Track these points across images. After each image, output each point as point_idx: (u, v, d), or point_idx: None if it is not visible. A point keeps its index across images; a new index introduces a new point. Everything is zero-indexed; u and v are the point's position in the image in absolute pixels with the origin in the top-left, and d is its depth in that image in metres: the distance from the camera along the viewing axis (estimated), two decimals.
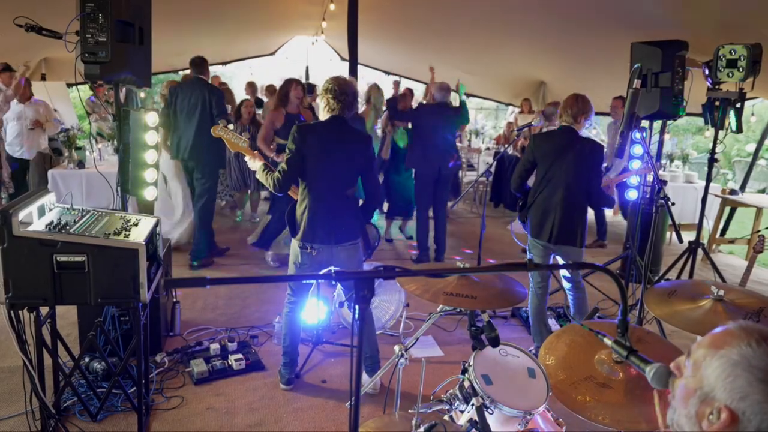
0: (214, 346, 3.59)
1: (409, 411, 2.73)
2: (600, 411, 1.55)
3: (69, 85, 7.97)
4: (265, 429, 2.93)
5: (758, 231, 5.41)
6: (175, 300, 4.05)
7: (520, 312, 4.47)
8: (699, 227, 4.58)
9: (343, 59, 11.32)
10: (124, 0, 2.83)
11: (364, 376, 3.28)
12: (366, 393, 3.19)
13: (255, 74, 13.20)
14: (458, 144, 9.15)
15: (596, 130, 9.46)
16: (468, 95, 10.54)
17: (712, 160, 4.24)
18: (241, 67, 13.62)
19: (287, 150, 3.01)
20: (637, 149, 4.27)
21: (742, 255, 6.80)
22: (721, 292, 2.03)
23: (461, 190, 8.67)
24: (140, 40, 3.00)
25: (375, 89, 5.99)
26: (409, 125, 5.89)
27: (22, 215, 2.30)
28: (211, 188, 5.21)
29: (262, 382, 3.35)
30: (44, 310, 2.56)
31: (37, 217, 2.46)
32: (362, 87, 6.20)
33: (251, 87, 8.59)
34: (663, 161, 6.07)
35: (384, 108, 6.02)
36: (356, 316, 1.25)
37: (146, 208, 4.36)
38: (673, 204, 3.74)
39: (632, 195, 4.45)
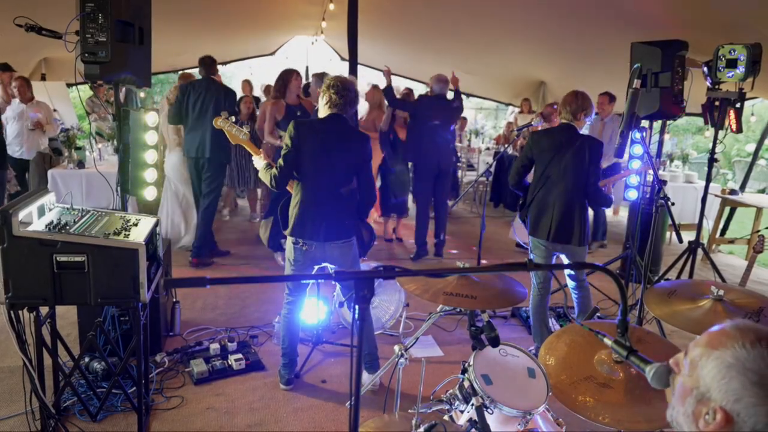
0: (214, 346, 3.59)
1: (409, 411, 2.73)
2: (600, 411, 1.55)
3: (69, 85, 7.97)
4: (265, 429, 2.93)
5: (758, 231, 5.41)
6: (175, 300, 4.05)
7: (520, 312, 4.47)
8: (699, 227, 4.58)
9: (343, 59, 11.31)
10: (124, 0, 2.83)
11: (364, 375, 3.28)
12: (366, 391, 3.19)
13: (255, 74, 13.20)
14: (458, 144, 9.17)
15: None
16: (468, 95, 10.57)
17: (711, 160, 4.24)
18: (241, 67, 13.62)
19: (284, 145, 3.01)
20: (637, 149, 4.27)
21: (742, 255, 6.80)
22: (721, 292, 2.03)
23: (461, 191, 8.68)
24: (140, 40, 3.00)
25: (378, 91, 6.01)
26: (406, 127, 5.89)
27: (22, 215, 2.30)
28: (218, 188, 5.29)
29: (262, 382, 3.35)
30: (44, 310, 2.56)
31: (37, 217, 2.46)
32: (362, 87, 6.20)
33: (248, 85, 8.58)
34: (662, 158, 6.06)
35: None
36: (356, 316, 1.25)
37: (146, 208, 4.36)
38: (673, 204, 3.73)
39: (632, 195, 4.46)
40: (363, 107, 6.16)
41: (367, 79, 8.90)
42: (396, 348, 2.52)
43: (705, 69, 3.99)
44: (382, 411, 2.94)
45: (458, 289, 2.26)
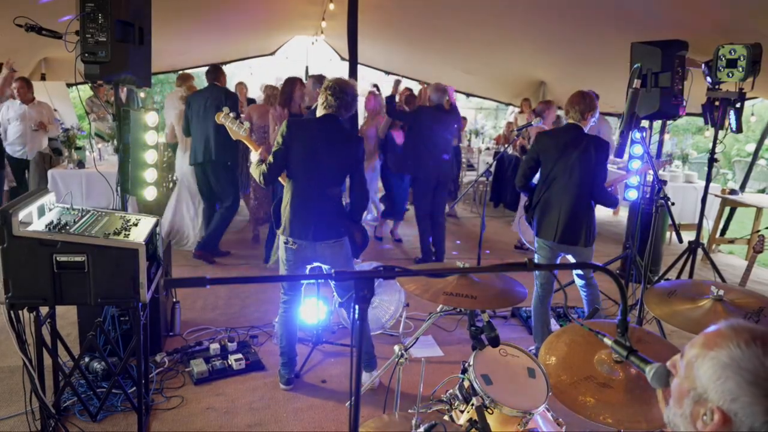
0: (214, 346, 3.59)
1: (409, 411, 2.73)
2: (600, 411, 1.55)
3: (69, 85, 7.96)
4: (265, 429, 2.93)
5: (758, 231, 5.41)
6: (175, 300, 4.05)
7: (520, 312, 4.47)
8: (699, 227, 4.58)
9: (343, 59, 11.31)
10: (124, 0, 2.83)
11: (363, 374, 3.28)
12: (366, 391, 3.19)
13: (255, 74, 13.19)
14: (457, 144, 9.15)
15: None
16: (468, 95, 10.57)
17: (711, 160, 4.24)
18: (241, 67, 13.61)
19: (276, 143, 3.02)
20: (637, 149, 4.27)
21: (742, 255, 6.81)
22: (721, 292, 2.03)
23: (460, 192, 8.68)
24: (140, 40, 3.00)
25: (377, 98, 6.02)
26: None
27: (22, 215, 2.30)
28: (235, 190, 5.34)
29: (262, 382, 3.35)
30: (44, 310, 2.56)
31: (37, 217, 2.46)
32: (362, 87, 6.20)
33: (243, 88, 8.59)
34: (663, 158, 6.05)
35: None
36: (356, 315, 1.25)
37: (146, 209, 4.37)
38: (672, 204, 3.73)
39: (632, 195, 4.45)
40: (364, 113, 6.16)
41: (367, 79, 8.90)
42: (396, 348, 2.52)
43: (705, 69, 3.99)
44: (382, 411, 2.94)
45: (458, 289, 2.26)
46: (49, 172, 5.80)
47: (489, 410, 1.99)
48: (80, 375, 2.94)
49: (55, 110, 6.87)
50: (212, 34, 8.85)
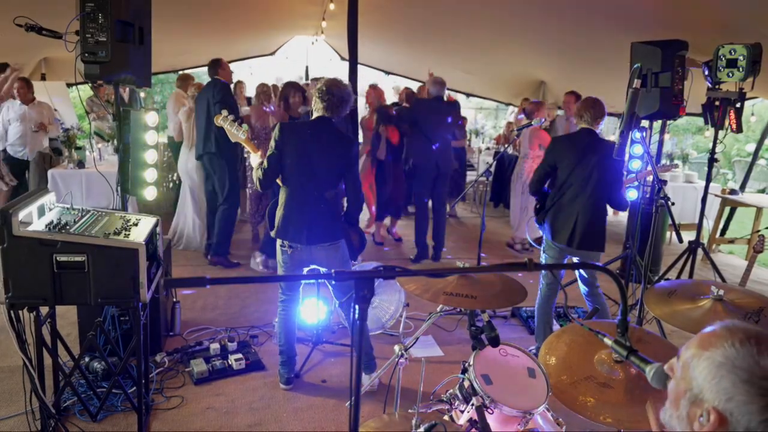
0: (214, 346, 3.59)
1: (409, 411, 2.73)
2: (600, 411, 1.55)
3: (69, 85, 7.97)
4: (265, 429, 2.93)
5: (758, 231, 5.41)
6: (175, 300, 4.05)
7: (520, 312, 4.47)
8: (699, 227, 4.58)
9: (343, 59, 11.30)
10: (124, 0, 2.83)
11: (363, 377, 3.28)
12: (365, 391, 3.19)
13: (255, 74, 13.17)
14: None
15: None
16: (468, 95, 10.56)
17: (712, 160, 4.24)
18: (241, 67, 13.59)
19: (270, 147, 3.02)
20: (637, 149, 4.26)
21: (742, 255, 6.80)
22: (721, 292, 2.03)
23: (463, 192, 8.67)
24: (140, 40, 3.00)
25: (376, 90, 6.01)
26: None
27: (22, 215, 2.30)
28: (231, 188, 5.26)
29: (262, 382, 3.35)
30: (44, 309, 2.56)
31: (37, 216, 2.46)
32: (362, 87, 6.20)
33: (242, 86, 8.58)
34: (665, 160, 6.04)
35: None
36: (356, 315, 1.24)
37: (146, 209, 4.37)
38: (672, 204, 3.73)
39: (632, 195, 4.45)
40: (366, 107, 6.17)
41: (367, 79, 8.89)
42: (396, 348, 2.52)
43: (705, 69, 3.99)
44: (382, 411, 2.94)
45: (458, 289, 2.26)
46: (49, 172, 5.80)
47: (489, 410, 1.99)
48: (80, 375, 2.94)
49: (55, 110, 6.87)
50: (212, 34, 8.85)
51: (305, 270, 3.21)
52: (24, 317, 2.41)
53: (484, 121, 14.77)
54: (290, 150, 2.98)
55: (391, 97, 7.79)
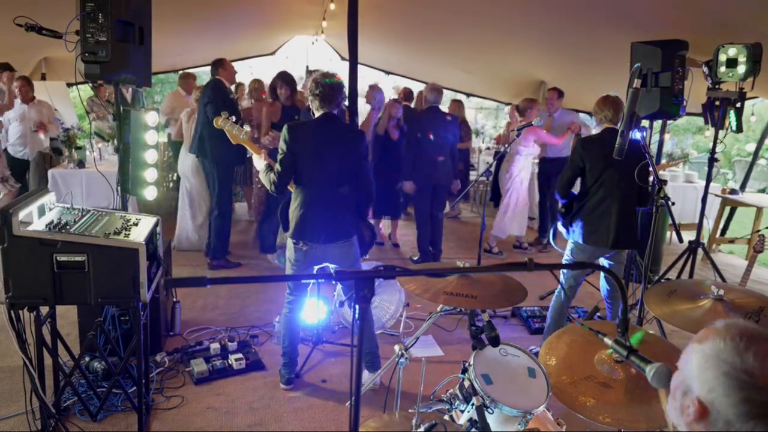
0: (214, 346, 3.59)
1: (409, 411, 2.73)
2: (600, 410, 1.55)
3: (69, 85, 7.96)
4: (265, 429, 2.93)
5: (758, 231, 5.41)
6: (175, 300, 4.05)
7: (520, 312, 4.47)
8: (699, 227, 4.57)
9: (343, 59, 11.30)
10: (124, 0, 2.83)
11: (365, 374, 3.29)
12: (366, 391, 3.19)
13: (255, 74, 13.17)
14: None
15: (597, 130, 9.45)
16: (468, 95, 10.56)
17: (712, 160, 4.24)
18: (241, 66, 13.59)
19: (279, 150, 3.01)
20: None
21: (742, 255, 6.80)
22: (721, 292, 2.03)
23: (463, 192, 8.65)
24: (140, 40, 3.00)
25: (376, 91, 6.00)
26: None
27: (22, 215, 2.30)
28: (221, 189, 5.16)
29: (262, 382, 3.35)
30: (44, 309, 2.56)
31: (37, 216, 2.46)
32: (362, 87, 6.19)
33: (243, 87, 8.59)
34: (664, 160, 6.03)
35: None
36: (356, 315, 1.24)
37: (146, 208, 4.37)
38: (673, 204, 3.73)
39: None
40: (366, 108, 6.15)
41: (367, 79, 8.89)
42: (396, 348, 2.52)
43: (705, 69, 3.99)
44: (382, 410, 2.94)
45: (458, 288, 2.26)
46: (50, 172, 5.80)
47: (489, 410, 1.99)
48: (80, 375, 2.94)
49: (56, 110, 6.87)
50: (212, 34, 8.84)
51: (316, 268, 3.20)
52: (24, 317, 2.41)
53: (484, 121, 14.76)
54: (302, 150, 2.98)
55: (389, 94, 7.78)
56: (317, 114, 3.06)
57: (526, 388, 2.09)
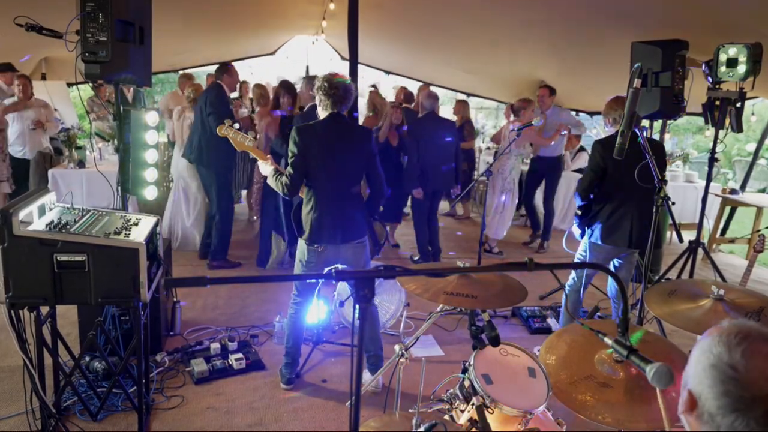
0: (215, 346, 3.59)
1: (410, 410, 2.73)
2: (600, 410, 1.55)
3: (69, 85, 7.97)
4: (265, 429, 2.93)
5: (758, 230, 5.41)
6: (175, 299, 4.05)
7: (521, 311, 4.47)
8: (699, 227, 4.58)
9: (343, 59, 11.30)
10: (124, 0, 2.83)
11: (367, 374, 3.28)
12: (367, 391, 3.19)
13: (255, 74, 13.17)
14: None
15: (596, 129, 9.46)
16: (468, 94, 10.56)
17: (712, 160, 4.24)
18: (241, 67, 13.59)
19: (290, 153, 3.00)
20: None
21: (742, 254, 6.80)
22: (722, 292, 2.03)
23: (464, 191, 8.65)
24: (140, 40, 3.00)
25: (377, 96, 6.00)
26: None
27: (22, 215, 2.30)
28: (218, 193, 5.16)
29: (263, 382, 3.35)
30: (44, 309, 2.56)
31: (37, 216, 2.46)
32: (362, 87, 6.20)
33: (246, 87, 8.58)
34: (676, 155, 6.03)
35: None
36: (356, 315, 1.24)
37: (146, 208, 4.37)
38: (673, 203, 3.73)
39: None
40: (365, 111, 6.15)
41: (367, 79, 8.89)
42: (396, 347, 2.52)
43: (705, 68, 3.99)
44: (382, 410, 2.94)
45: (458, 288, 2.26)
46: (50, 172, 5.80)
47: (489, 410, 1.99)
48: (81, 374, 2.94)
49: (56, 110, 6.87)
50: (212, 34, 8.84)
51: (326, 270, 3.19)
52: (24, 317, 2.42)
53: (485, 120, 14.78)
54: (313, 152, 2.96)
55: (390, 97, 7.76)
56: (323, 115, 3.04)
57: (526, 388, 2.09)
